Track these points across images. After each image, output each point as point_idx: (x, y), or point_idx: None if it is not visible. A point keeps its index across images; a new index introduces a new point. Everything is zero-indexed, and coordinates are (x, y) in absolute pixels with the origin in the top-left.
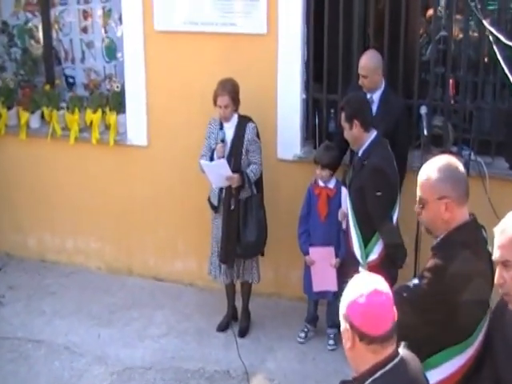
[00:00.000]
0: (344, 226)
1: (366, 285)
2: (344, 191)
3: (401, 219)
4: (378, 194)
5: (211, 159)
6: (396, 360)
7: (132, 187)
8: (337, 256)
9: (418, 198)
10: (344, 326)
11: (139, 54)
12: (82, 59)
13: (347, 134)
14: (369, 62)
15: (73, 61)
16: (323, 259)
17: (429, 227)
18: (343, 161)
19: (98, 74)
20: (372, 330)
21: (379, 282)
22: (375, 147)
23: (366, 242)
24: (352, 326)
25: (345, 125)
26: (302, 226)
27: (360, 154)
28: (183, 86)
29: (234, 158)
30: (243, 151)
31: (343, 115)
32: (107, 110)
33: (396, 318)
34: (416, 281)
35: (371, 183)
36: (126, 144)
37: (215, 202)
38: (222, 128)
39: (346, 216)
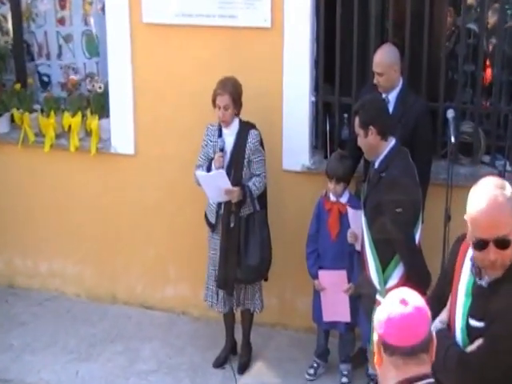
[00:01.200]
0: (358, 247)
1: (398, 294)
2: (350, 210)
3: (425, 239)
4: (398, 210)
5: (208, 170)
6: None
7: (117, 202)
8: (350, 281)
9: (491, 239)
10: (374, 337)
11: (125, 50)
12: (59, 55)
13: (362, 142)
14: (384, 57)
15: (48, 56)
16: (334, 284)
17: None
18: (356, 172)
19: (77, 72)
20: (394, 340)
21: (412, 294)
22: (394, 157)
23: (384, 265)
24: (378, 336)
25: (359, 131)
26: (310, 245)
27: (377, 166)
28: (176, 86)
29: (235, 169)
30: (245, 162)
31: (357, 120)
32: (88, 113)
33: (427, 338)
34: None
35: (390, 199)
36: (110, 152)
37: (212, 220)
38: (221, 135)
39: (356, 237)
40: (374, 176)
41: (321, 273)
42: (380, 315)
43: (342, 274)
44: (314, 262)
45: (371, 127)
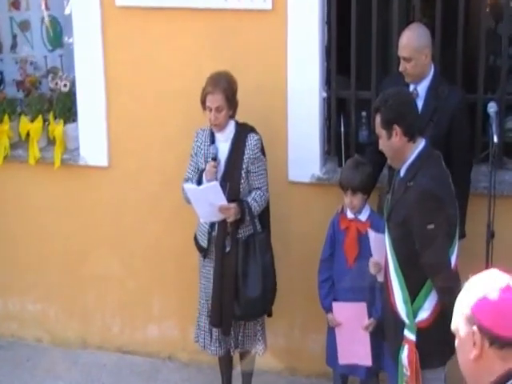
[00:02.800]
0: (381, 278)
1: (498, 279)
2: (372, 234)
3: (464, 261)
4: (430, 227)
5: (199, 183)
6: None
7: (86, 224)
8: (370, 315)
9: None
10: (467, 330)
11: (95, 40)
12: (13, 46)
13: (384, 145)
14: (412, 39)
15: None
16: (352, 319)
17: None
18: (378, 182)
19: (36, 67)
20: (506, 332)
21: None
22: (424, 163)
23: (413, 294)
24: (481, 328)
25: (381, 132)
26: (323, 272)
27: (403, 174)
28: (157, 84)
29: (231, 181)
30: (243, 172)
31: (379, 119)
32: (50, 117)
33: None
34: None
35: (420, 213)
36: (79, 164)
37: (204, 243)
38: (213, 142)
39: (380, 268)
40: (400, 186)
41: (336, 305)
42: (483, 304)
43: (362, 307)
44: (328, 293)
45: (395, 127)
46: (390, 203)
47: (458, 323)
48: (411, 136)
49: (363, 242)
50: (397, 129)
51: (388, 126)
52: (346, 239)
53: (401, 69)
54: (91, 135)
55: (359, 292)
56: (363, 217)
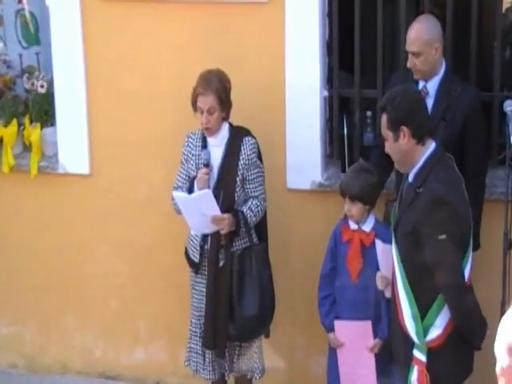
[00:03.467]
0: (388, 294)
1: None
2: (380, 245)
3: (478, 273)
4: (442, 237)
5: (190, 192)
6: None
7: (66, 238)
8: (376, 335)
9: None
10: (509, 362)
11: (75, 36)
12: None
13: (390, 148)
14: (421, 32)
15: None
16: (356, 339)
17: None
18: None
19: (10, 66)
20: None
21: None
22: (434, 167)
23: (423, 310)
24: None
25: (387, 134)
26: (323, 288)
27: (411, 179)
28: (143, 83)
29: (225, 189)
30: (237, 180)
31: (385, 119)
32: (26, 121)
33: None
34: None
35: (430, 222)
36: (58, 172)
37: (195, 257)
38: (205, 147)
39: (388, 282)
40: (409, 192)
41: (338, 324)
42: None
43: (366, 326)
44: (329, 311)
45: (403, 128)
46: (398, 211)
47: (502, 353)
48: (420, 138)
49: (367, 254)
50: (405, 130)
51: (395, 126)
52: (348, 252)
53: (409, 65)
54: (71, 140)
55: (363, 309)
56: (367, 227)
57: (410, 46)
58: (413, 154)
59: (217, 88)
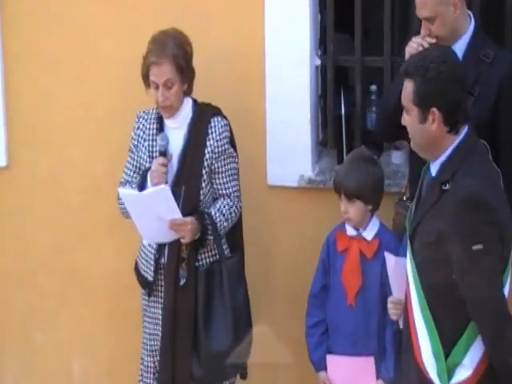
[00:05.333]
0: (401, 324)
1: None
2: (392, 259)
3: None
4: (477, 247)
5: (142, 188)
6: None
7: None
8: (379, 375)
9: None
10: None
11: None
12: None
13: (412, 128)
14: None
15: None
16: (353, 380)
17: None
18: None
19: None
20: None
21: None
22: (466, 158)
23: (448, 345)
24: None
25: (410, 108)
26: (312, 313)
27: (436, 172)
28: (78, 49)
29: (187, 185)
30: (204, 172)
31: (410, 89)
32: None
33: None
34: None
35: (462, 228)
36: None
37: (149, 275)
38: (162, 129)
39: (402, 310)
40: (432, 190)
41: (330, 360)
42: None
43: (367, 363)
44: (320, 342)
45: (434, 110)
46: (416, 214)
47: None
48: (454, 126)
49: (368, 269)
50: (436, 113)
51: (424, 105)
52: (344, 265)
53: (423, 33)
54: None
55: (363, 341)
56: (369, 234)
57: (421, 11)
58: (440, 143)
59: (174, 54)
